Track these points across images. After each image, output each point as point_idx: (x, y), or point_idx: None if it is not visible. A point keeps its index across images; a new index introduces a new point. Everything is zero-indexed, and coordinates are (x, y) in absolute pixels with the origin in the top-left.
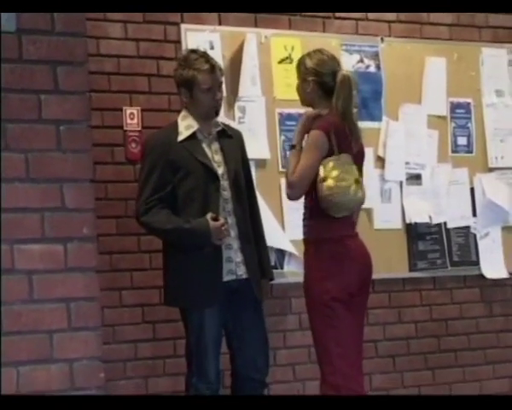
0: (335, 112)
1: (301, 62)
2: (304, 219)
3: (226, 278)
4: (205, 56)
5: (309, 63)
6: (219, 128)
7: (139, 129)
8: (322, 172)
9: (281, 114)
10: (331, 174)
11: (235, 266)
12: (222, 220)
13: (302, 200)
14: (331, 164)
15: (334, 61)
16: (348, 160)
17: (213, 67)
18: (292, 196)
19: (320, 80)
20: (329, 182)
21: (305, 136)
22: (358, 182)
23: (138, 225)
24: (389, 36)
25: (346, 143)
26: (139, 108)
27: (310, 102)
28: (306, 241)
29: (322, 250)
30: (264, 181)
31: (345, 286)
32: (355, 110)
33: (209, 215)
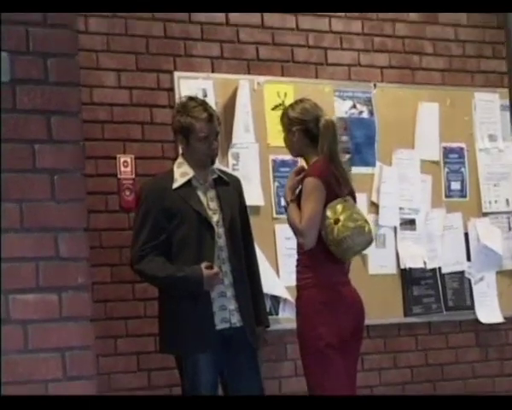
0: (323, 157)
1: (284, 114)
2: (297, 266)
3: (220, 326)
4: (203, 105)
5: (292, 114)
6: (215, 176)
7: (133, 177)
8: (331, 216)
9: (274, 161)
10: (343, 216)
11: (229, 314)
12: (216, 269)
13: (295, 246)
14: (340, 206)
15: (317, 108)
16: (352, 202)
17: (211, 116)
18: (306, 243)
19: (304, 128)
20: (346, 223)
21: (296, 190)
22: (367, 222)
23: (132, 272)
24: (381, 81)
25: (336, 186)
26: (133, 155)
27: (298, 152)
28: (299, 287)
29: (315, 297)
30: (258, 227)
31: (338, 332)
32: (347, 156)
33: (204, 264)
